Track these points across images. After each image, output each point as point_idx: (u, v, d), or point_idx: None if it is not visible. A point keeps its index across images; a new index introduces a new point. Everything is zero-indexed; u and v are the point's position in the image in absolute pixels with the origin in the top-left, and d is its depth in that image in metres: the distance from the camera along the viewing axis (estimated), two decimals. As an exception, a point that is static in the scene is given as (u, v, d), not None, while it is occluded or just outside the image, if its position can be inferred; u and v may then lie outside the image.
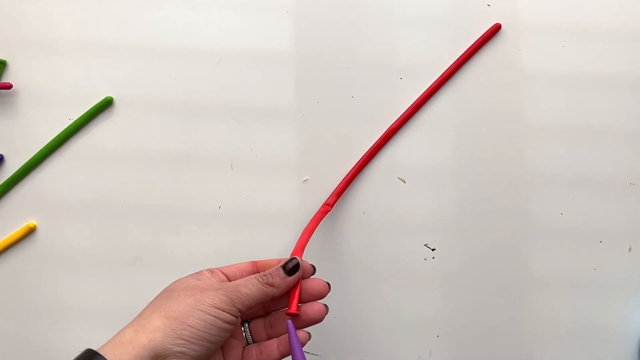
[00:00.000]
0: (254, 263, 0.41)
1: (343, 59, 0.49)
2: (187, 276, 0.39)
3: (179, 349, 0.34)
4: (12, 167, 0.48)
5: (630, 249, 0.48)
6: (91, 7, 0.49)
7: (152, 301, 0.37)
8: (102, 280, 0.48)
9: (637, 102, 0.49)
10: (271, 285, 0.38)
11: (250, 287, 0.37)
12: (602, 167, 0.48)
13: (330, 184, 0.48)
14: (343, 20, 0.49)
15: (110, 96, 0.49)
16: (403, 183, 0.48)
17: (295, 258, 0.39)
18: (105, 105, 0.49)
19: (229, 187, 0.48)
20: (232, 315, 0.36)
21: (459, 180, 0.48)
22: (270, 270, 0.38)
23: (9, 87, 0.48)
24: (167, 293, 0.37)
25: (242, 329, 0.41)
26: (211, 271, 0.40)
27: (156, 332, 0.34)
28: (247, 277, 0.38)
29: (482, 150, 0.49)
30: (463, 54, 0.49)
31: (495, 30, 0.49)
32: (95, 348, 0.34)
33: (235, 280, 0.39)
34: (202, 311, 0.35)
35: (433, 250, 0.48)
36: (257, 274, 0.38)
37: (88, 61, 0.49)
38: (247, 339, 0.41)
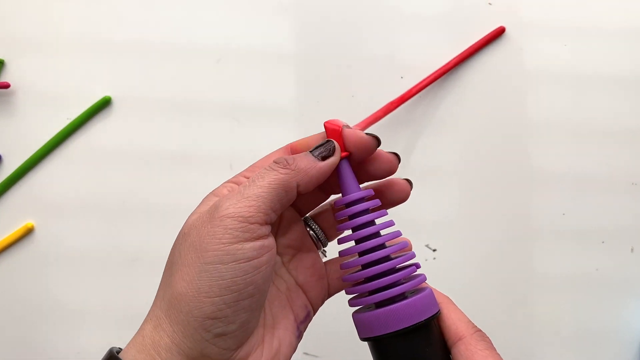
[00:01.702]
0: (287, 148, 0.31)
1: (343, 58, 0.49)
2: (198, 209, 0.29)
3: (211, 335, 0.26)
4: (10, 167, 0.48)
5: (632, 250, 0.48)
6: (89, 7, 0.49)
7: (164, 269, 0.29)
8: (100, 281, 0.47)
9: (638, 101, 0.49)
10: (293, 170, 0.27)
11: (263, 178, 0.27)
12: (605, 167, 0.48)
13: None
14: (343, 19, 0.49)
15: (109, 95, 0.48)
16: (404, 183, 0.48)
17: (331, 141, 0.28)
18: (104, 104, 0.48)
19: (228, 187, 0.48)
20: (251, 235, 0.26)
21: (461, 180, 0.48)
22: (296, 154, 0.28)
23: (6, 86, 0.48)
24: (173, 256, 0.28)
25: (307, 229, 0.31)
26: (231, 185, 0.29)
27: (175, 324, 0.26)
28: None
29: (483, 150, 0.48)
30: (465, 51, 0.49)
31: (499, 33, 0.49)
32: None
33: None
34: (208, 264, 0.25)
35: (434, 251, 0.48)
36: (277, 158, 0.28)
37: (86, 60, 0.49)
38: (318, 239, 0.31)
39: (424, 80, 0.48)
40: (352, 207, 0.28)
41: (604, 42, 0.49)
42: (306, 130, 0.48)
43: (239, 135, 0.48)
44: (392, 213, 0.51)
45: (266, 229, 0.26)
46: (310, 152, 0.28)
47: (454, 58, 0.48)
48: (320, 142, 0.29)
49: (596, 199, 0.48)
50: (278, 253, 0.29)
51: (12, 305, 0.48)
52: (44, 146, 0.48)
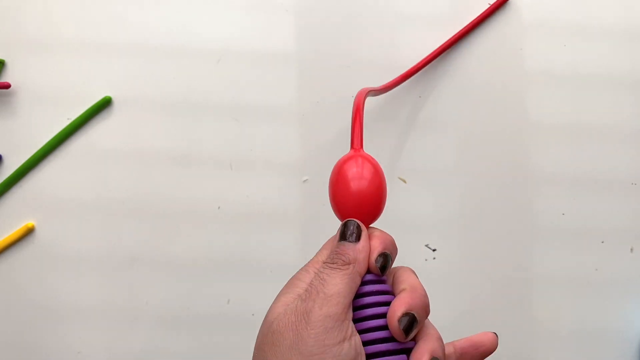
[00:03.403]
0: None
1: (343, 59, 0.49)
2: (283, 299, 0.30)
3: None
4: (11, 167, 0.48)
5: (632, 250, 0.48)
6: (90, 7, 0.49)
7: None
8: (100, 281, 0.47)
9: (639, 101, 0.49)
10: (350, 263, 0.29)
11: (334, 277, 0.28)
12: (604, 167, 0.48)
13: (331, 184, 0.47)
14: (343, 19, 0.49)
15: (109, 96, 0.48)
16: (404, 183, 0.48)
17: (350, 221, 0.30)
18: (104, 104, 0.48)
19: (228, 187, 0.48)
20: (346, 333, 0.27)
21: (460, 180, 0.48)
22: (333, 249, 0.30)
23: (7, 86, 0.48)
24: (266, 356, 0.28)
25: None
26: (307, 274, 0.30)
27: None
28: (315, 274, 0.29)
29: (483, 150, 0.48)
30: (470, 23, 0.49)
31: (502, 3, 0.48)
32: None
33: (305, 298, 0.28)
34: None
35: (434, 250, 0.48)
36: (322, 261, 0.30)
37: (87, 61, 0.49)
38: None
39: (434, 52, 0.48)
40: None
41: (604, 42, 0.49)
42: (306, 131, 0.49)
43: (239, 136, 0.48)
44: (393, 213, 0.51)
45: (352, 326, 0.28)
46: (344, 239, 0.30)
47: (462, 29, 0.48)
48: (342, 228, 0.30)
49: (596, 199, 0.48)
50: None
51: (12, 305, 0.48)
52: (45, 146, 0.48)
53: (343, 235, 0.30)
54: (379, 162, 0.46)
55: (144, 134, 0.48)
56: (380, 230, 0.32)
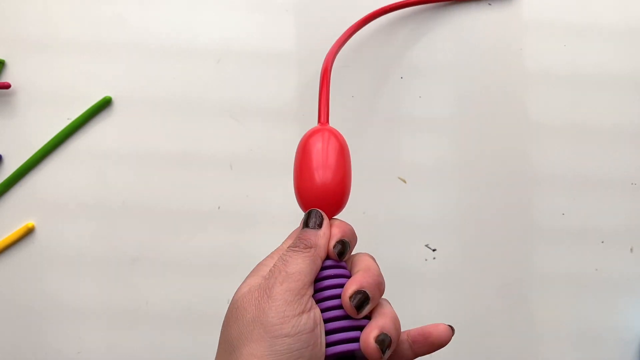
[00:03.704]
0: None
1: (342, 59, 0.49)
2: (248, 280, 0.31)
3: None
4: (11, 167, 0.48)
5: (632, 250, 0.48)
6: (90, 7, 0.49)
7: (219, 345, 0.30)
8: (100, 281, 0.48)
9: (639, 101, 0.49)
10: (312, 247, 0.31)
11: (295, 259, 0.30)
12: (604, 167, 0.48)
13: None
14: (343, 19, 0.49)
15: (109, 96, 0.48)
16: (404, 183, 0.48)
17: (313, 210, 0.33)
18: (104, 105, 0.48)
19: (228, 187, 0.48)
20: (305, 307, 0.29)
21: (460, 180, 0.48)
22: (297, 235, 0.32)
23: (7, 86, 0.48)
24: (231, 330, 0.29)
25: None
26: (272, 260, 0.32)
27: None
28: (279, 257, 0.31)
29: (483, 150, 0.48)
30: None
31: None
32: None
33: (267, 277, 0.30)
34: (277, 338, 0.28)
35: (434, 250, 0.48)
36: (287, 247, 0.32)
37: (87, 61, 0.49)
38: None
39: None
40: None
41: (604, 42, 0.49)
42: (306, 131, 0.49)
43: (239, 135, 0.48)
44: (393, 213, 0.51)
45: (312, 301, 0.30)
46: (306, 227, 0.32)
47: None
48: (306, 217, 0.32)
49: (596, 199, 0.48)
50: None
51: (12, 305, 0.48)
52: (45, 146, 0.48)
53: (306, 224, 0.32)
54: (378, 162, 0.46)
55: (144, 134, 0.48)
56: (341, 220, 0.33)
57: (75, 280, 0.48)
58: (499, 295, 0.47)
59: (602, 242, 0.48)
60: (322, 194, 0.33)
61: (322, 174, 0.33)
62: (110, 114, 0.49)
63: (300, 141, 0.35)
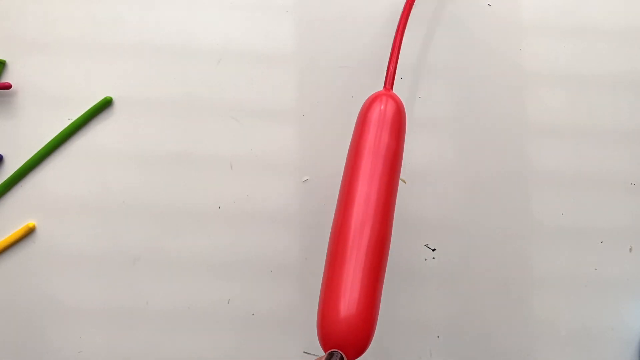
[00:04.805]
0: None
1: (343, 59, 0.49)
2: None
3: None
4: (12, 167, 0.48)
5: (631, 249, 0.48)
6: (91, 7, 0.49)
7: None
8: (101, 281, 0.48)
9: (638, 101, 0.49)
10: None
11: None
12: (603, 167, 0.48)
13: (330, 184, 0.47)
14: (343, 19, 0.49)
15: (110, 96, 0.49)
16: (403, 183, 0.48)
17: (335, 352, 0.30)
18: (105, 105, 0.49)
19: (228, 187, 0.48)
20: None
21: (460, 180, 0.48)
22: None
23: (8, 87, 0.48)
24: None
25: None
26: None
27: None
28: None
29: (482, 150, 0.48)
30: None
31: None
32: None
33: None
34: None
35: (433, 250, 0.48)
36: None
37: (88, 61, 0.49)
38: None
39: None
40: None
41: (603, 42, 0.49)
42: (306, 131, 0.49)
43: (239, 136, 0.48)
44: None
45: None
46: None
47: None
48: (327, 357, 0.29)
49: (595, 198, 0.48)
50: None
51: (13, 305, 0.48)
52: (46, 146, 0.48)
53: None
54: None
55: (144, 134, 0.48)
56: None
57: (76, 280, 0.48)
58: (498, 295, 0.48)
59: (601, 241, 0.48)
60: (346, 331, 0.29)
61: (347, 309, 0.30)
62: (111, 114, 0.49)
63: (361, 109, 0.32)
